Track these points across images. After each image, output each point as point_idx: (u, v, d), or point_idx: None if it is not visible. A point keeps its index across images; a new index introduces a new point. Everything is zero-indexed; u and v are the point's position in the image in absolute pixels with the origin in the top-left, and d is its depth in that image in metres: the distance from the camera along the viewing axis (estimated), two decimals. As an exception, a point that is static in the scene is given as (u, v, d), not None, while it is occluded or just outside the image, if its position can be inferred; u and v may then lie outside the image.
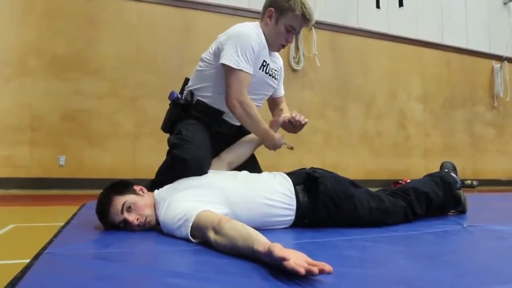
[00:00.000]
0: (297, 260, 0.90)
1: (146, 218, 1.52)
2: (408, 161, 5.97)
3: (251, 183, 1.64)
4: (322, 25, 5.52)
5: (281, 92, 2.14)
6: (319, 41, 5.46)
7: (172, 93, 2.01)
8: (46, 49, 4.28)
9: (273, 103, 2.16)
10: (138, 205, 1.53)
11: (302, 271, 0.86)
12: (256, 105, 1.96)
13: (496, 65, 6.73)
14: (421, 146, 6.12)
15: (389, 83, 5.96)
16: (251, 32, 1.79)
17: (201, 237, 1.30)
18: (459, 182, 2.03)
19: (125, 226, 1.52)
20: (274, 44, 1.86)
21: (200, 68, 1.95)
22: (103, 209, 1.53)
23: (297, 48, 5.43)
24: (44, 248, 1.26)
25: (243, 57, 1.74)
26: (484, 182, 6.26)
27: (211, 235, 1.22)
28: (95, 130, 4.40)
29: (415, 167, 5.92)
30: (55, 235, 1.52)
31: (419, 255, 1.21)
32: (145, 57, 4.64)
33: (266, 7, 1.89)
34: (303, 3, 1.79)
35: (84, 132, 4.36)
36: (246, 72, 1.76)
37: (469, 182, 5.84)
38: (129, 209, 1.51)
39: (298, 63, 5.42)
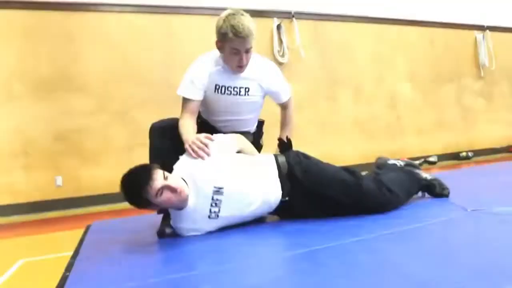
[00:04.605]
0: None
1: (181, 186, 1.68)
2: (402, 141, 6.02)
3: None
4: (303, 15, 5.51)
5: (279, 99, 2.25)
6: (301, 32, 5.45)
7: None
8: (30, 72, 4.22)
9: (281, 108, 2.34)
10: (171, 175, 1.72)
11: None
12: (241, 119, 2.15)
13: (479, 35, 6.77)
14: (413, 125, 6.16)
15: (375, 65, 5.98)
16: (196, 66, 2.05)
17: None
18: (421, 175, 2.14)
19: (161, 197, 1.64)
20: (231, 67, 2.00)
21: None
22: (142, 180, 1.63)
23: (280, 41, 5.41)
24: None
25: (184, 86, 2.04)
26: (480, 152, 6.34)
27: None
28: (89, 147, 4.38)
29: (410, 146, 5.98)
30: (68, 269, 1.53)
31: (431, 254, 1.22)
32: (130, 68, 4.59)
33: None
34: (232, 24, 1.86)
35: (78, 150, 4.34)
36: (186, 97, 2.03)
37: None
38: (167, 178, 1.67)
39: (283, 56, 5.41)
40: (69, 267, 1.56)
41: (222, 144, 1.90)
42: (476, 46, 6.76)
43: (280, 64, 5.34)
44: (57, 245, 2.33)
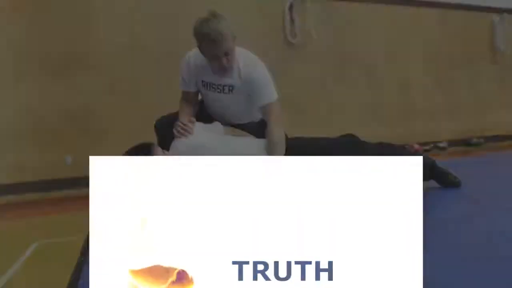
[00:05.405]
0: None
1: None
2: (413, 126, 5.97)
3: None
4: (315, -5, 5.40)
5: (259, 102, 2.08)
6: (313, 12, 5.34)
7: None
8: (38, 49, 4.18)
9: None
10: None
11: None
12: (234, 113, 2.17)
13: (496, 18, 6.59)
14: (425, 109, 6.09)
15: (387, 48, 5.87)
16: (184, 61, 2.18)
17: None
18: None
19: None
20: (215, 69, 2.04)
21: None
22: (143, 154, 1.80)
23: (291, 21, 5.32)
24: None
25: (179, 78, 2.21)
26: (491, 139, 6.27)
27: None
28: (99, 126, 4.38)
29: (421, 130, 5.93)
30: (83, 253, 1.54)
31: (443, 251, 1.21)
32: (142, 47, 4.54)
33: None
34: (203, 32, 1.88)
35: (89, 128, 4.35)
36: (181, 89, 2.22)
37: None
38: (164, 153, 1.92)
39: (294, 36, 5.32)
40: (84, 251, 1.58)
41: (208, 126, 2.08)
42: (492, 29, 6.60)
43: (291, 45, 5.27)
44: (70, 226, 2.35)
